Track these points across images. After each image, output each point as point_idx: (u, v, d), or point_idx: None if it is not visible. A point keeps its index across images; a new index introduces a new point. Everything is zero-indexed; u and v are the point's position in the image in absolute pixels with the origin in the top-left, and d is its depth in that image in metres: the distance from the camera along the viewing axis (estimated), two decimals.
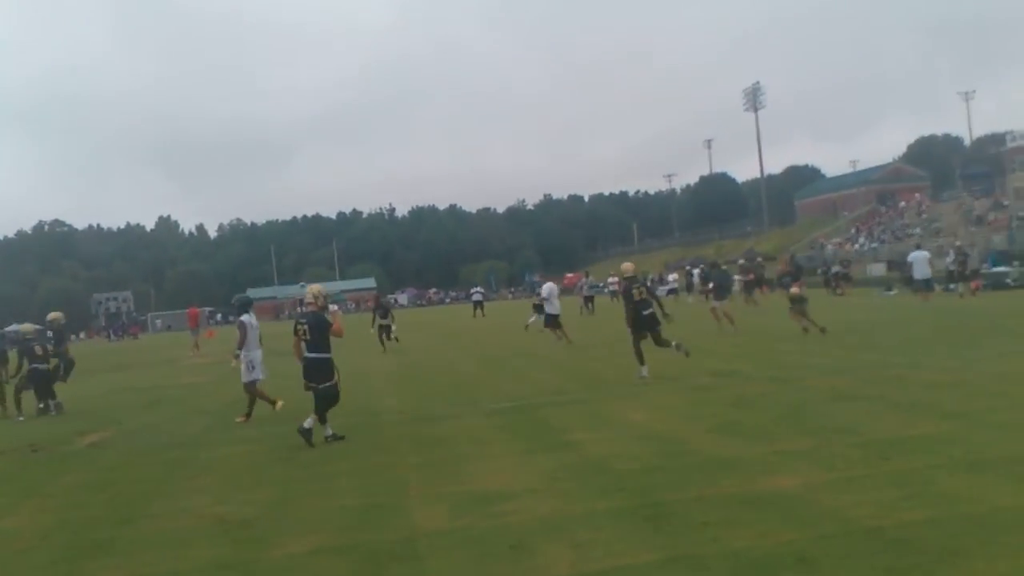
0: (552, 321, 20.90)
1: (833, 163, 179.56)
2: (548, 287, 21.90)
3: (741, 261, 42.75)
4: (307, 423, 9.13)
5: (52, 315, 17.88)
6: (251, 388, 11.55)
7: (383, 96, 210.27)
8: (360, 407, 12.09)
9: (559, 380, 13.33)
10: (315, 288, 9.87)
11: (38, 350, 14.42)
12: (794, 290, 18.27)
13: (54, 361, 15.10)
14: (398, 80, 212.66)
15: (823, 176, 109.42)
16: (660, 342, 12.50)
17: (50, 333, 17.52)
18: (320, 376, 9.24)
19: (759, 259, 47.16)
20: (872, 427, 7.78)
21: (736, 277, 30.78)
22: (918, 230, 56.45)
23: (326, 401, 9.26)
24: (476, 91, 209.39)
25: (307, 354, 9.38)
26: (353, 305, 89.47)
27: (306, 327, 9.36)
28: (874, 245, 58.36)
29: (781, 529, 4.98)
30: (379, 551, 5.26)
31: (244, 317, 11.66)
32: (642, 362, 12.37)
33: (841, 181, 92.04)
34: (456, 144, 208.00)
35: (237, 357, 11.55)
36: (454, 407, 11.30)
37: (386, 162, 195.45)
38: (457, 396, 12.40)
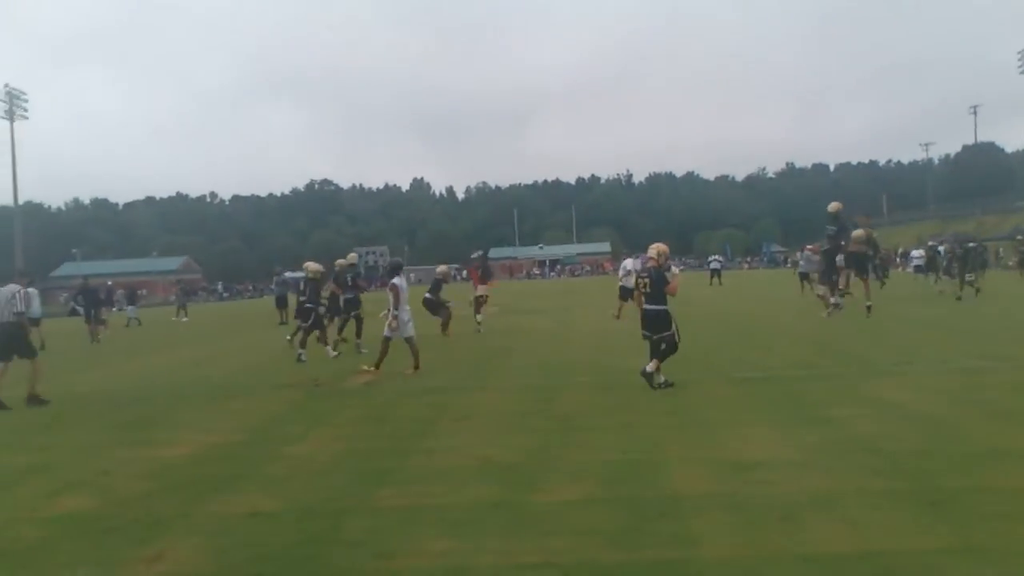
0: (624, 294, 19.94)
1: None
2: (628, 262, 20.91)
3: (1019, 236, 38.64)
4: (649, 367, 10.00)
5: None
6: (406, 341, 12.58)
7: (623, 63, 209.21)
8: (609, 366, 12.36)
9: (808, 353, 12.81)
10: (659, 247, 10.70)
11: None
12: None
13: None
14: (638, 47, 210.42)
15: None
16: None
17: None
18: (657, 326, 10.09)
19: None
20: None
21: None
22: None
23: (667, 349, 10.08)
24: (717, 55, 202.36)
25: (645, 305, 10.24)
26: (588, 268, 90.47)
27: (647, 280, 10.18)
28: None
29: None
30: (644, 507, 5.39)
31: (396, 280, 12.65)
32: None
33: None
34: (695, 110, 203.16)
35: (391, 315, 12.53)
36: (700, 373, 11.16)
37: (625, 129, 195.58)
38: (703, 363, 12.24)
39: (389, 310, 12.60)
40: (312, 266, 16.37)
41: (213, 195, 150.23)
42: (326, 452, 7.50)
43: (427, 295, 18.90)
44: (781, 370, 11.27)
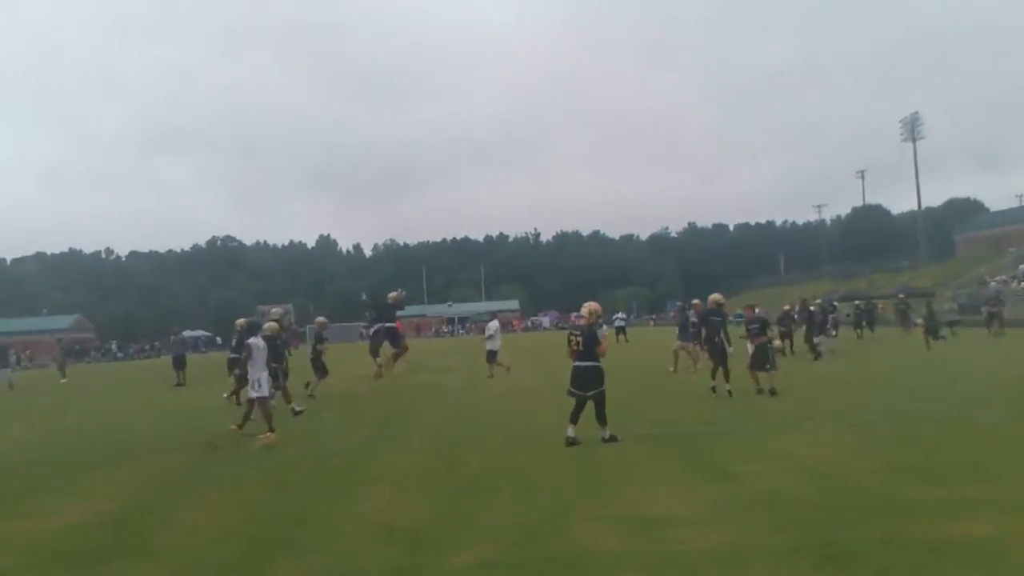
0: (491, 357, 21.00)
1: (997, 197, 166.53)
2: (493, 324, 21.79)
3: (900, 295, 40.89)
4: (569, 432, 10.06)
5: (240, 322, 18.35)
6: (260, 404, 12.20)
7: (530, 123, 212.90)
8: (517, 424, 12.30)
9: (712, 409, 13.03)
10: (592, 305, 10.91)
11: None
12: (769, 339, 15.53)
13: None
14: (545, 107, 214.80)
15: (986, 210, 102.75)
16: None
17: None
18: (588, 383, 10.20)
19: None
20: None
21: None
22: None
23: (600, 406, 10.25)
24: (621, 118, 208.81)
25: (577, 362, 10.33)
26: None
27: (580, 339, 10.27)
28: None
29: None
30: (549, 568, 5.30)
31: (251, 340, 12.46)
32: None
33: (1007, 216, 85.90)
34: (600, 170, 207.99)
35: (242, 375, 12.51)
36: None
37: (532, 188, 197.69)
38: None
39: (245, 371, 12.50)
40: (271, 324, 15.96)
41: (109, 251, 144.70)
42: (219, 520, 7.14)
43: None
44: (687, 425, 11.41)
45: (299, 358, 18.35)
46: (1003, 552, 5.18)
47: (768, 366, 14.59)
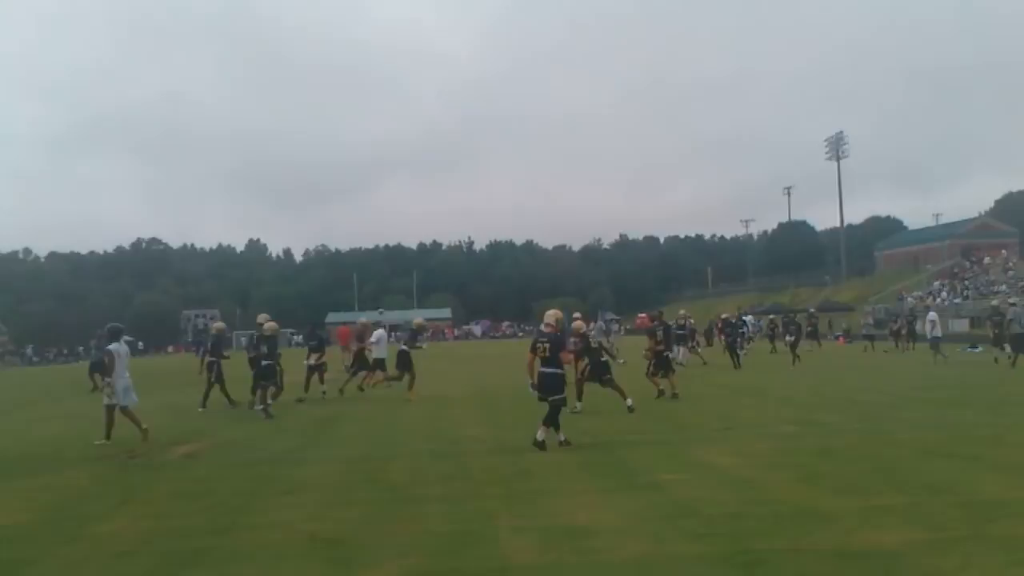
0: (377, 364, 20.18)
1: (916, 216, 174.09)
2: (378, 333, 21.49)
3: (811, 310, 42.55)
4: (539, 434, 10.47)
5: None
6: (119, 411, 12.19)
7: (465, 132, 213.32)
8: (442, 434, 12.28)
9: (637, 419, 13.21)
10: (556, 313, 11.19)
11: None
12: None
13: None
14: (479, 117, 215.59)
15: (905, 228, 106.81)
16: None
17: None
18: (553, 389, 10.49)
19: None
20: (971, 487, 7.51)
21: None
22: (1004, 287, 54.38)
23: (556, 410, 10.56)
24: (555, 130, 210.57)
25: (542, 369, 10.62)
26: (428, 333, 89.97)
27: (547, 345, 10.53)
28: (957, 300, 56.41)
29: None
30: None
31: (113, 346, 12.35)
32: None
33: (924, 234, 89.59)
34: (534, 181, 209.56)
35: (107, 383, 12.29)
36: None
37: (466, 197, 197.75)
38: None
39: (108, 380, 12.24)
40: (271, 324, 16.14)
41: (27, 251, 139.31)
42: (133, 531, 6.94)
43: (402, 347, 18.87)
44: (612, 436, 11.58)
45: (235, 365, 17.96)
46: (905, 560, 5.39)
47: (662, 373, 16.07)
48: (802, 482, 8.01)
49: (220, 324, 18.69)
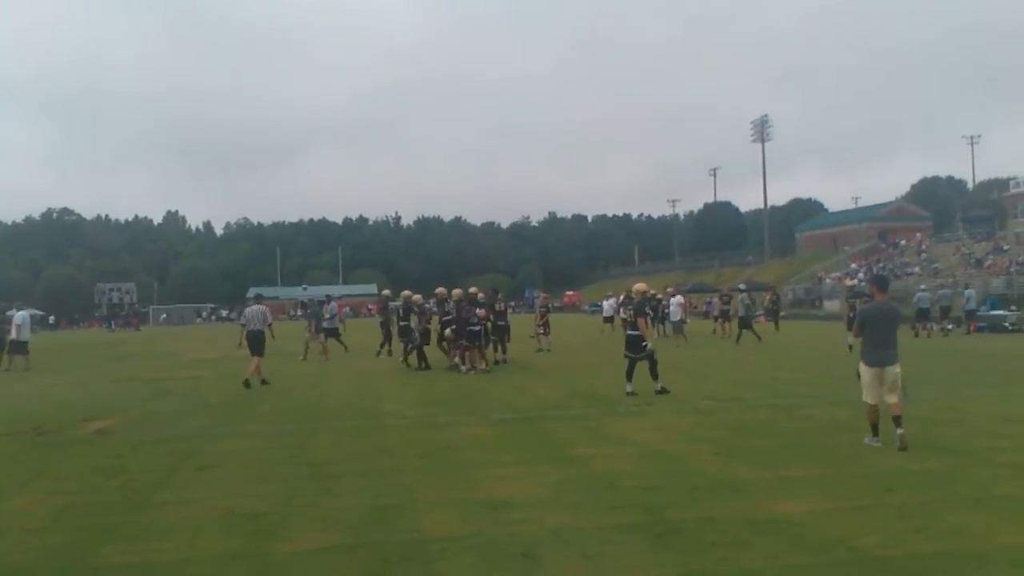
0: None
1: (836, 198, 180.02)
2: (330, 308, 24.62)
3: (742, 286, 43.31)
4: (628, 388, 12.89)
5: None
6: None
7: (394, 107, 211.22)
8: (364, 410, 12.22)
9: (560, 395, 13.41)
10: (641, 286, 13.70)
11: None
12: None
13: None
14: (409, 92, 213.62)
15: (825, 210, 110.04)
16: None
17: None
18: (637, 347, 12.76)
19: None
20: (875, 459, 7.84)
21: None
22: (917, 269, 56.68)
23: (652, 363, 12.92)
24: (486, 106, 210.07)
25: (629, 331, 13.14)
26: (348, 311, 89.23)
27: (632, 311, 13.34)
28: None
29: (790, 553, 5.05)
30: (388, 552, 5.31)
31: (19, 313, 12.01)
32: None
33: (843, 216, 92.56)
34: (464, 158, 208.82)
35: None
36: (456, 415, 11.37)
37: (394, 172, 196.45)
38: (459, 404, 12.47)
39: None
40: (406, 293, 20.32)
41: None
42: (43, 508, 6.73)
43: (402, 323, 19.58)
44: (535, 411, 11.68)
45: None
46: (812, 526, 5.61)
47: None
48: (718, 455, 8.23)
49: (406, 292, 21.11)
